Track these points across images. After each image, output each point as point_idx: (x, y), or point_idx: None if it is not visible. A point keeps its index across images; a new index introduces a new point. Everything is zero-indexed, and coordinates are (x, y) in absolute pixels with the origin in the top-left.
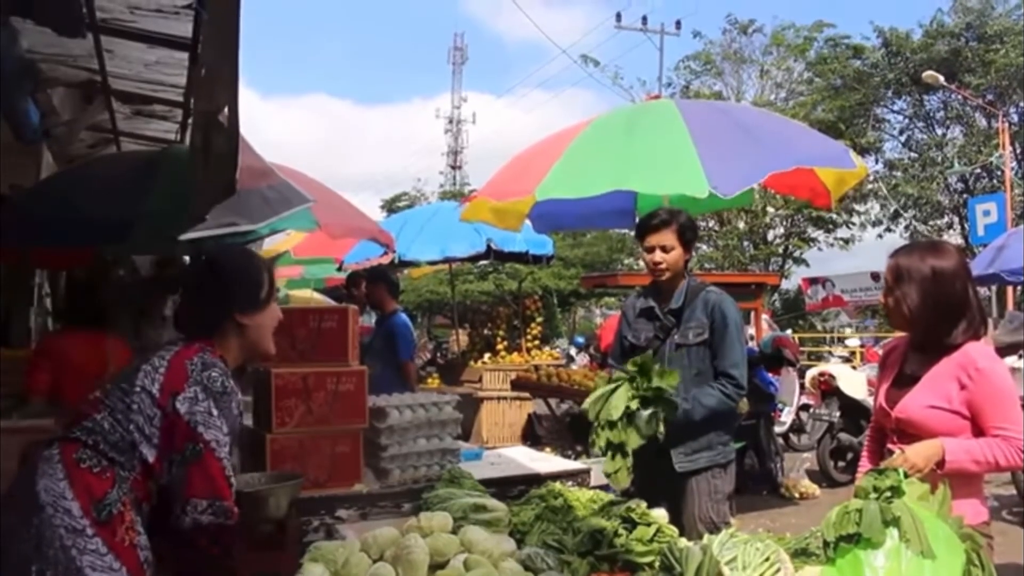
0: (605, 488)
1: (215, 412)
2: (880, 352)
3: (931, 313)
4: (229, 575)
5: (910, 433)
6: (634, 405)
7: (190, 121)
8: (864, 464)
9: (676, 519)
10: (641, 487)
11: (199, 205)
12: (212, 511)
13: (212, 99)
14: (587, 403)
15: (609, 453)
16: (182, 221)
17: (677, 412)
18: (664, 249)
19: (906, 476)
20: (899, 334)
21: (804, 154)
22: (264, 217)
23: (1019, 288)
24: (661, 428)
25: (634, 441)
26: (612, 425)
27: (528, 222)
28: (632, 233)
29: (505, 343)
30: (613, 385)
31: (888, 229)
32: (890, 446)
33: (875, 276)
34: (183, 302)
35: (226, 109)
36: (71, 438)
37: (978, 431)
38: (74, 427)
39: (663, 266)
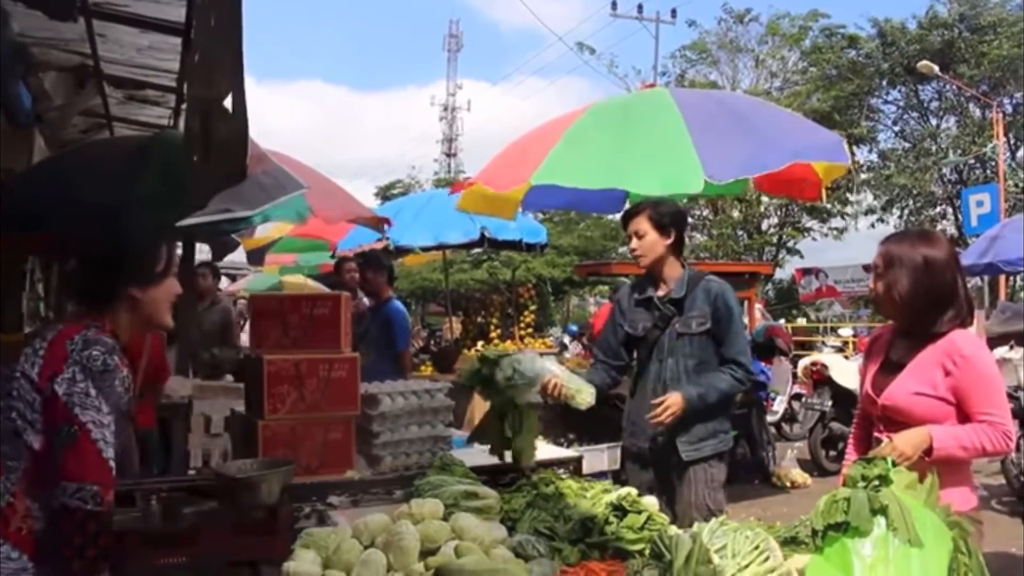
0: (597, 476)
1: (93, 393)
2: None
3: (920, 300)
4: (91, 567)
5: (896, 420)
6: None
7: (183, 107)
8: (850, 452)
9: (670, 507)
10: (634, 474)
11: (200, 193)
12: (80, 496)
13: (212, 86)
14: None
15: None
16: (176, 207)
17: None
18: (638, 235)
19: (894, 465)
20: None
21: (801, 146)
22: (259, 203)
23: (1011, 279)
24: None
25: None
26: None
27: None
28: None
29: (499, 331)
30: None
31: (881, 220)
32: (876, 434)
33: (867, 268)
34: (75, 273)
35: (230, 96)
36: None
37: (963, 417)
38: None
39: (638, 252)
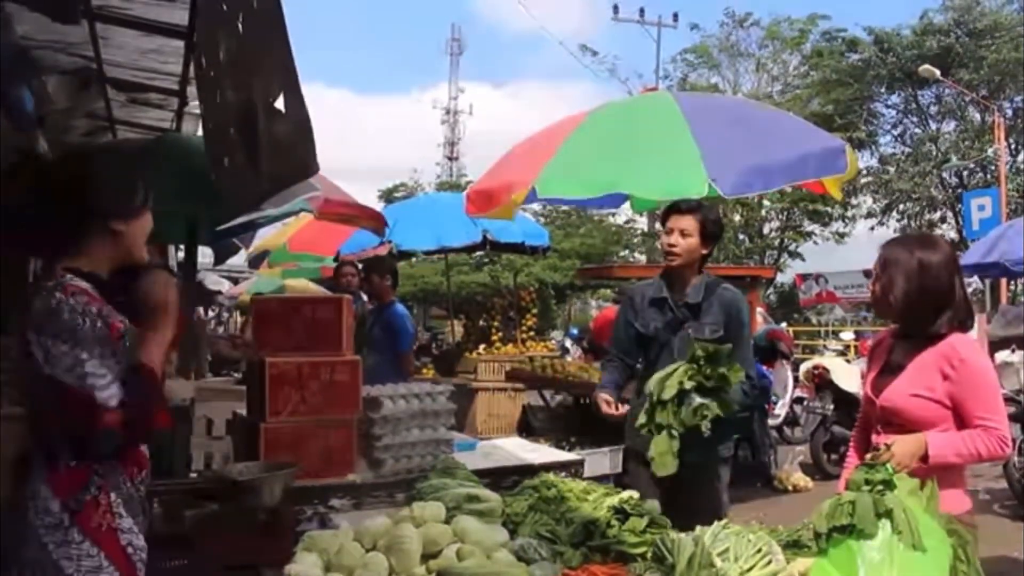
0: (599, 479)
1: (50, 343)
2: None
3: (915, 303)
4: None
5: (894, 421)
6: (689, 385)
7: (185, 110)
8: (851, 455)
9: (672, 510)
10: (637, 477)
11: (248, 195)
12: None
13: (254, 89)
14: (653, 381)
15: (655, 433)
16: (184, 209)
17: (731, 409)
18: (683, 233)
19: (893, 471)
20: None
21: (805, 159)
22: (283, 201)
23: (1012, 283)
24: (706, 423)
25: (677, 425)
26: (663, 405)
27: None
28: (627, 224)
29: (500, 334)
30: (675, 366)
31: (881, 223)
32: (874, 436)
33: (867, 273)
34: (47, 206)
35: (281, 95)
36: None
37: (960, 421)
38: None
39: (676, 249)
